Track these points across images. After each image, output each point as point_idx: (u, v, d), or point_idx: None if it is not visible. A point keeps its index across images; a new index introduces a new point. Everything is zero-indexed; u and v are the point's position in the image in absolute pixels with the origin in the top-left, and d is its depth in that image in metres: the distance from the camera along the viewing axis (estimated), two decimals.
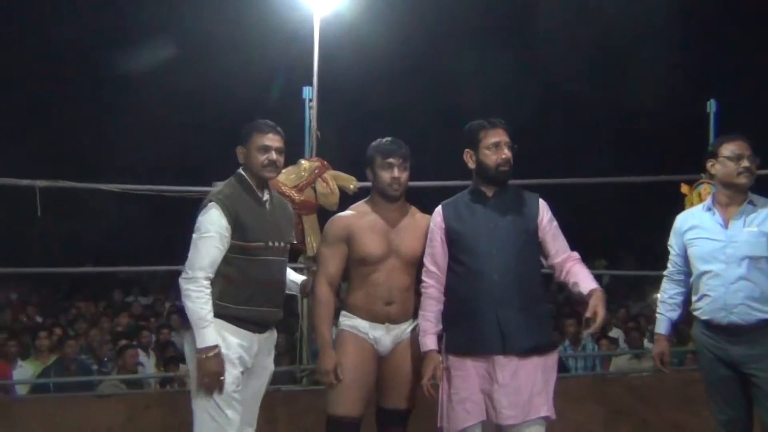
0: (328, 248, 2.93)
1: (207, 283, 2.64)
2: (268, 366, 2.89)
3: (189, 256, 2.67)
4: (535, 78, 13.06)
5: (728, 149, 2.91)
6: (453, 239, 2.75)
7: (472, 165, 2.75)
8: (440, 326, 2.80)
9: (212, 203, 2.69)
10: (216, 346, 2.61)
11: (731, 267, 2.85)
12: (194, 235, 2.69)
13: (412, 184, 3.05)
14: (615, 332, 7.68)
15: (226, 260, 2.69)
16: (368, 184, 4.57)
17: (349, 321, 2.91)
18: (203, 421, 2.64)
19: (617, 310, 9.03)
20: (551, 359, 2.68)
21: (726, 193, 2.96)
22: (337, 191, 4.11)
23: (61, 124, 13.26)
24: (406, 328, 2.93)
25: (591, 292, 2.65)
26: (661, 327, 3.22)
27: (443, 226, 2.78)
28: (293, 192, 3.94)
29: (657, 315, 3.27)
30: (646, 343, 7.02)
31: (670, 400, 4.65)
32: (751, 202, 2.92)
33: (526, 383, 2.56)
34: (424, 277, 2.83)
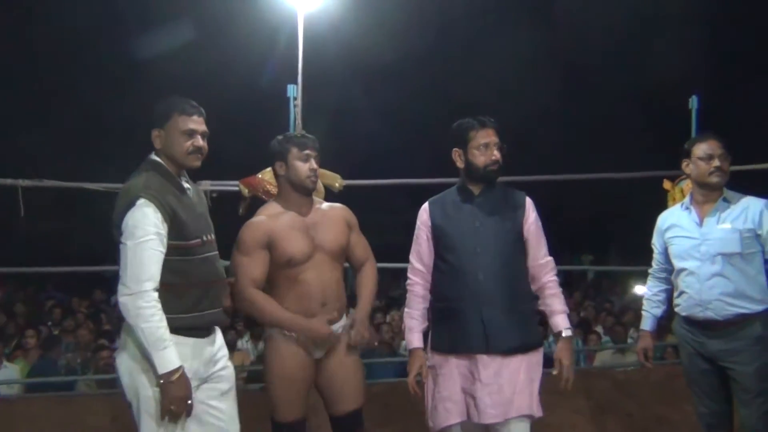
0: (246, 256, 2.71)
1: (156, 295, 2.29)
2: (227, 366, 2.59)
3: (128, 267, 2.27)
4: (528, 74, 13.08)
5: (700, 149, 2.98)
6: (438, 237, 2.74)
7: (460, 164, 2.74)
8: (426, 324, 2.81)
9: (142, 200, 2.29)
10: (180, 367, 2.30)
11: (705, 264, 2.92)
12: (127, 242, 2.28)
13: (404, 181, 3.04)
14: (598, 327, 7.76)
15: (164, 265, 2.32)
16: (357, 182, 4.62)
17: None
18: None
19: (602, 305, 9.11)
20: (536, 357, 2.69)
21: (700, 191, 3.02)
22: (322, 189, 4.10)
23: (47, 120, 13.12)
24: (336, 329, 2.84)
25: (558, 338, 2.72)
26: (646, 323, 3.30)
27: (429, 223, 2.77)
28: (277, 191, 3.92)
29: (642, 311, 3.34)
30: (629, 337, 7.10)
31: (654, 393, 4.70)
32: (725, 200, 2.98)
33: (509, 382, 2.57)
34: (410, 275, 2.83)
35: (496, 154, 2.68)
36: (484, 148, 2.67)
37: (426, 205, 2.83)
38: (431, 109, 13.92)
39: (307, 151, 2.78)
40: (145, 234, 2.28)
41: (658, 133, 11.26)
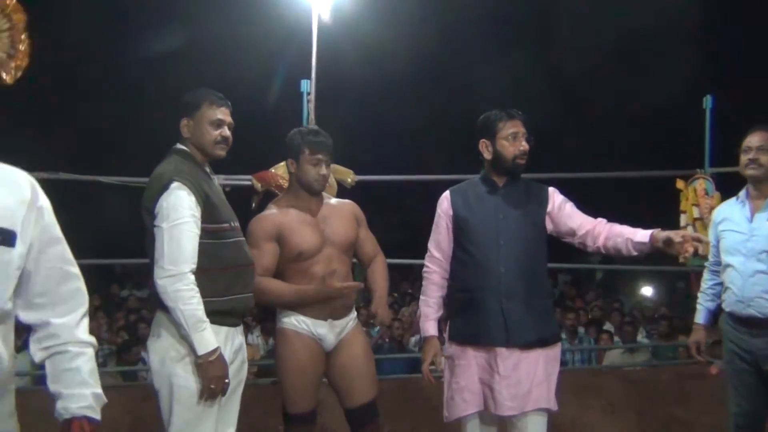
0: (256, 248, 2.68)
1: (193, 277, 2.30)
2: (245, 361, 2.62)
3: (165, 250, 2.27)
4: (538, 75, 13.05)
5: (745, 141, 2.96)
6: (460, 227, 2.71)
7: (487, 155, 2.70)
8: (441, 312, 2.79)
9: (176, 183, 2.32)
10: (218, 348, 2.32)
11: (750, 260, 2.88)
12: (163, 224, 2.29)
13: (416, 177, 3.03)
14: (608, 326, 7.74)
15: (198, 248, 2.34)
16: (368, 177, 4.64)
17: (290, 318, 2.81)
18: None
19: (611, 304, 9.09)
20: (553, 352, 2.68)
21: (750, 185, 2.99)
22: (335, 184, 4.11)
23: (66, 118, 13.20)
24: (347, 323, 2.88)
25: (654, 233, 2.55)
26: (699, 316, 3.26)
27: (451, 212, 2.73)
28: None
29: (697, 305, 3.31)
30: (639, 337, 7.09)
31: (664, 393, 4.69)
32: None
33: (527, 375, 2.57)
34: (427, 263, 2.80)
35: (525, 145, 2.66)
36: (513, 138, 2.65)
37: (447, 194, 2.79)
38: (445, 107, 13.93)
39: (318, 156, 2.77)
40: (181, 216, 2.29)
41: (672, 133, 11.22)
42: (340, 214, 2.91)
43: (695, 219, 4.87)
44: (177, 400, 2.35)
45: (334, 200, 3.01)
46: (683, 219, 4.94)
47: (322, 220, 2.84)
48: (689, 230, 4.93)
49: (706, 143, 5.31)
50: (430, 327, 2.75)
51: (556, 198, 2.75)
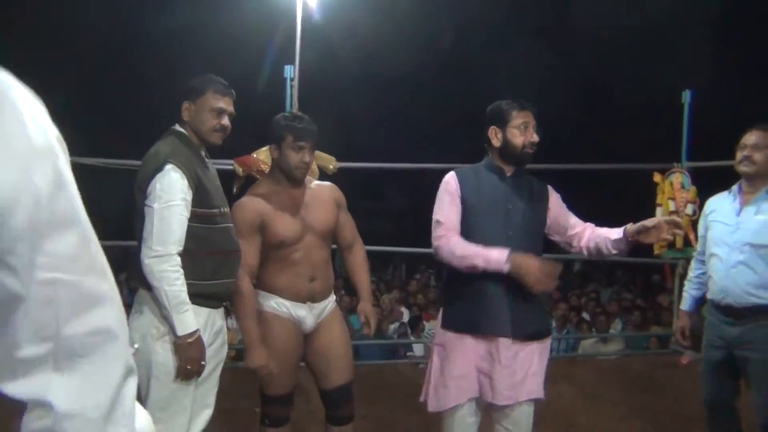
0: (242, 239, 2.66)
1: (179, 259, 2.32)
2: (225, 343, 2.65)
3: (154, 230, 2.30)
4: (518, 68, 13.09)
5: (742, 139, 3.05)
6: (467, 212, 2.63)
7: (496, 143, 2.65)
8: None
9: (170, 165, 2.34)
10: (197, 330, 2.36)
11: (734, 252, 2.97)
12: (154, 205, 2.31)
13: (400, 166, 3.02)
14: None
15: (186, 231, 2.36)
16: (350, 164, 4.66)
17: (269, 301, 2.81)
18: (154, 415, 2.29)
19: (590, 294, 9.21)
20: (546, 343, 2.69)
21: (744, 181, 3.08)
22: (317, 171, 4.13)
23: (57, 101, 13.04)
24: (326, 306, 2.90)
25: (627, 227, 2.58)
26: (685, 303, 3.38)
27: (460, 193, 2.64)
28: None
29: (683, 292, 3.43)
30: (614, 328, 7.20)
31: (636, 382, 4.79)
32: None
33: (522, 366, 2.58)
34: (441, 232, 2.61)
35: (535, 137, 2.63)
36: (524, 128, 2.62)
37: (453, 175, 2.69)
38: (432, 95, 13.93)
39: (301, 143, 2.75)
40: (173, 198, 2.32)
41: (650, 127, 11.34)
42: (320, 199, 2.89)
43: (671, 212, 4.94)
44: (155, 377, 2.38)
45: (314, 183, 2.98)
46: (659, 212, 5.02)
47: (303, 207, 2.83)
48: None
49: (683, 137, 5.40)
50: (497, 252, 2.49)
51: (553, 195, 2.77)
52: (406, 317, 7.33)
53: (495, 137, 2.66)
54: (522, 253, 2.49)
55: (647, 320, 7.14)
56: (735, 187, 3.13)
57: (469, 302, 2.61)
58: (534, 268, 2.44)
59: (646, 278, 10.58)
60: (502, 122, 2.64)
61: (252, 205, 2.77)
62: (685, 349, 5.55)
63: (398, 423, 3.93)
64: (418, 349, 6.50)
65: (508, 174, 2.67)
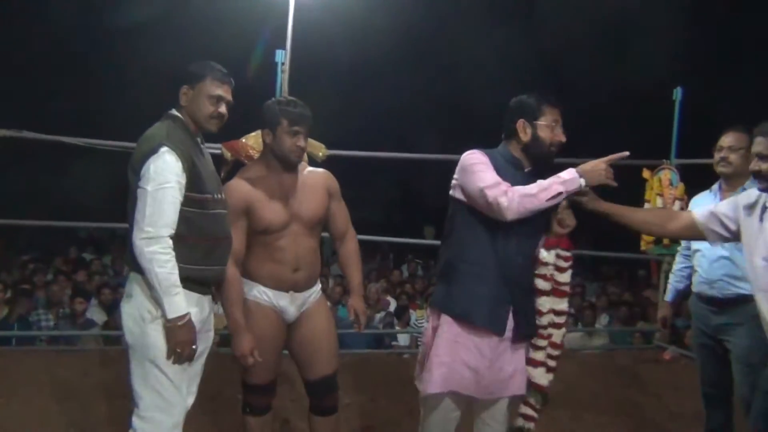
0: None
1: (171, 242, 2.31)
2: (211, 328, 2.63)
3: (146, 212, 2.29)
4: (512, 60, 13.07)
5: (719, 141, 3.14)
6: None
7: (524, 137, 2.55)
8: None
9: (165, 147, 2.33)
10: (188, 313, 2.35)
11: (716, 246, 3.06)
12: (147, 186, 2.30)
13: (390, 155, 2.97)
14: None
15: (179, 215, 2.36)
16: (340, 152, 4.62)
17: (251, 289, 2.79)
18: (149, 399, 2.37)
19: (575, 288, 9.25)
20: (528, 341, 2.63)
21: (722, 180, 3.20)
22: (306, 158, 4.10)
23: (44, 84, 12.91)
24: (309, 296, 2.86)
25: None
26: (668, 295, 3.59)
27: (491, 165, 2.51)
28: None
29: (668, 284, 3.62)
30: (599, 323, 7.24)
31: (620, 376, 4.82)
32: (744, 189, 3.01)
33: (510, 362, 2.56)
34: (500, 189, 2.41)
35: (563, 137, 2.57)
36: (554, 125, 2.55)
37: (478, 150, 2.56)
38: (425, 84, 13.88)
39: (296, 128, 2.70)
40: (166, 181, 2.31)
41: (640, 123, 11.36)
42: (311, 187, 2.84)
43: (659, 208, 4.95)
44: (150, 360, 2.37)
45: (307, 170, 2.92)
46: (647, 208, 5.03)
47: (291, 194, 2.78)
48: None
49: (673, 134, 5.41)
50: (561, 174, 2.44)
51: None
52: (392, 307, 7.32)
53: (523, 131, 2.55)
54: (529, 258, 2.50)
55: (634, 315, 7.19)
56: (716, 186, 3.25)
57: (472, 292, 2.53)
58: (596, 164, 2.47)
59: (631, 273, 10.64)
60: (532, 116, 2.54)
61: (239, 188, 2.73)
62: (668, 344, 5.62)
63: (381, 412, 3.93)
64: (403, 339, 6.51)
65: (526, 169, 2.58)
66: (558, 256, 2.56)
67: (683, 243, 3.49)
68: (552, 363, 2.61)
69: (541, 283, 2.57)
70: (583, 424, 4.00)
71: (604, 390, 4.46)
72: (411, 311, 6.93)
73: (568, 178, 2.41)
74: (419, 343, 6.17)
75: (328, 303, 3.45)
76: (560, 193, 2.40)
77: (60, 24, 12.35)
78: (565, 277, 2.58)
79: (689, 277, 3.38)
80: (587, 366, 4.84)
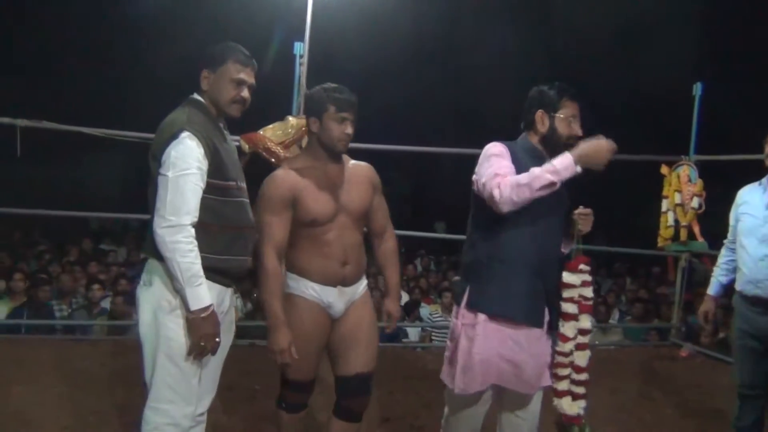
0: (272, 215, 2.58)
1: (193, 231, 2.22)
2: (233, 322, 2.56)
3: (168, 199, 2.20)
4: (531, 56, 12.99)
5: None
6: None
7: (542, 128, 2.54)
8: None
9: (186, 132, 2.23)
10: (211, 305, 2.26)
11: (762, 245, 3.01)
12: (168, 173, 2.21)
13: (405, 148, 2.91)
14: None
15: (201, 202, 2.26)
16: (355, 145, 4.59)
17: (298, 284, 2.69)
18: (161, 391, 2.30)
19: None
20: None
21: None
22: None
23: (60, 69, 12.96)
24: (357, 289, 2.77)
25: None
26: (711, 288, 3.43)
27: (509, 157, 2.50)
28: (279, 148, 3.88)
29: (711, 278, 3.46)
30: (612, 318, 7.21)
31: (637, 372, 4.80)
32: None
33: (542, 354, 2.56)
34: (496, 180, 2.40)
35: (580, 131, 2.53)
36: (573, 120, 2.53)
37: (498, 143, 2.54)
38: (441, 78, 13.80)
39: (344, 114, 2.60)
40: (188, 167, 2.22)
41: (660, 119, 11.26)
42: (357, 179, 2.75)
43: (676, 204, 4.92)
44: (164, 352, 2.30)
45: (351, 162, 2.82)
46: (665, 204, 5.00)
47: (338, 186, 2.69)
48: (669, 215, 5.00)
49: (693, 130, 5.36)
50: (554, 160, 2.40)
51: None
52: (402, 301, 7.31)
53: (541, 122, 2.54)
54: (557, 251, 2.49)
55: (649, 312, 7.15)
56: (765, 180, 3.14)
57: (505, 288, 2.50)
58: (599, 145, 2.38)
59: (646, 270, 10.56)
60: (551, 108, 2.52)
61: (286, 178, 2.63)
62: (684, 341, 5.58)
63: (398, 405, 3.93)
64: (413, 334, 6.47)
65: (546, 159, 2.49)
66: (581, 270, 2.55)
67: (731, 236, 3.34)
68: (578, 390, 2.58)
69: (569, 308, 2.55)
70: (601, 420, 3.99)
71: (621, 385, 4.45)
72: (423, 305, 6.92)
73: (562, 167, 2.35)
74: (433, 338, 6.22)
75: None
76: (552, 183, 2.34)
77: (80, 15, 12.39)
78: (589, 291, 2.58)
79: (734, 270, 3.24)
80: (604, 362, 4.82)
